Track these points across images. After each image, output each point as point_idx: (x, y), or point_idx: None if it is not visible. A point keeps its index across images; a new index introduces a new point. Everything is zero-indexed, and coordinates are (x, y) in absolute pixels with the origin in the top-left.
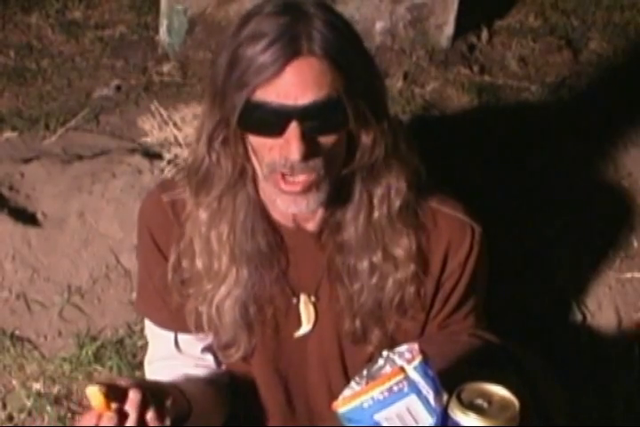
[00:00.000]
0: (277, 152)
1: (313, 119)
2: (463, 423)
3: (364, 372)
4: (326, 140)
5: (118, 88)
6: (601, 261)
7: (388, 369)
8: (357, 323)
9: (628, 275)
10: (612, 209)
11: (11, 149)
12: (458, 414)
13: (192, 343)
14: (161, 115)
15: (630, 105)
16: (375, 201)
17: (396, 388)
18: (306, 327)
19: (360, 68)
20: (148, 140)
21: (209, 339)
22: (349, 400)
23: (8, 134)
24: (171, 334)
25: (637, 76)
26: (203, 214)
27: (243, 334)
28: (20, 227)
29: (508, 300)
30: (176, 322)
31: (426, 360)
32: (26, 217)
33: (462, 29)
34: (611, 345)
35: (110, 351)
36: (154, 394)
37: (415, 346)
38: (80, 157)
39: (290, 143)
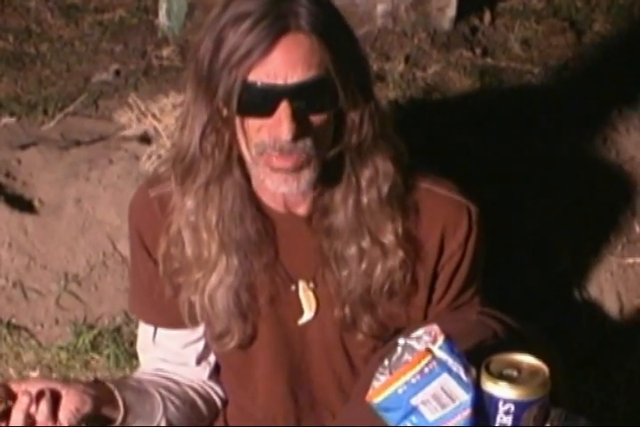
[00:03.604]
0: (266, 133)
1: (303, 98)
2: (496, 394)
3: (386, 362)
4: (316, 119)
5: (117, 73)
6: (603, 246)
7: (408, 357)
8: (347, 310)
9: (630, 260)
10: (614, 193)
11: (9, 134)
12: (490, 386)
13: (171, 339)
14: (139, 107)
15: (633, 88)
16: (363, 184)
17: (426, 369)
18: (308, 314)
19: (347, 45)
20: (127, 133)
21: (192, 335)
22: (382, 390)
23: (6, 120)
24: (151, 329)
25: None
26: (189, 202)
27: (236, 322)
28: (16, 214)
29: (509, 285)
30: (158, 317)
31: (449, 338)
32: (22, 204)
33: (464, 11)
34: (612, 331)
35: (107, 339)
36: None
37: (434, 327)
38: (78, 143)
39: (280, 123)
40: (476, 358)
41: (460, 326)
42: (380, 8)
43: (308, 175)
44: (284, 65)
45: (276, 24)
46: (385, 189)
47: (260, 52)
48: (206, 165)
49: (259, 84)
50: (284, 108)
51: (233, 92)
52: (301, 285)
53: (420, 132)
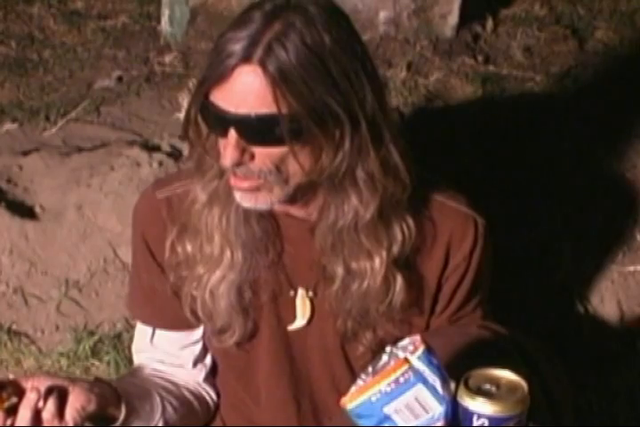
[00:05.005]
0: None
1: (249, 130)
2: (471, 408)
3: (369, 369)
4: (268, 151)
5: (120, 79)
6: (603, 254)
7: (392, 364)
8: (349, 324)
9: (631, 268)
10: (615, 202)
11: (11, 140)
12: (466, 400)
13: (169, 340)
14: None
15: (636, 96)
16: (340, 212)
17: (402, 379)
18: (300, 322)
19: (319, 93)
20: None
21: (190, 337)
22: (356, 396)
23: (8, 126)
24: (149, 329)
25: None
26: (202, 196)
27: (238, 318)
28: (17, 220)
29: (510, 294)
30: (157, 318)
31: (429, 349)
32: (23, 210)
33: (467, 19)
34: (613, 339)
35: (108, 346)
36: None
37: (417, 337)
38: (79, 150)
39: (224, 148)
40: (464, 373)
41: (457, 340)
42: (383, 15)
43: (267, 197)
44: (236, 94)
45: (245, 49)
46: (367, 217)
47: (219, 74)
48: (210, 162)
49: (214, 105)
50: (230, 135)
51: (195, 104)
52: (300, 292)
53: (422, 140)
